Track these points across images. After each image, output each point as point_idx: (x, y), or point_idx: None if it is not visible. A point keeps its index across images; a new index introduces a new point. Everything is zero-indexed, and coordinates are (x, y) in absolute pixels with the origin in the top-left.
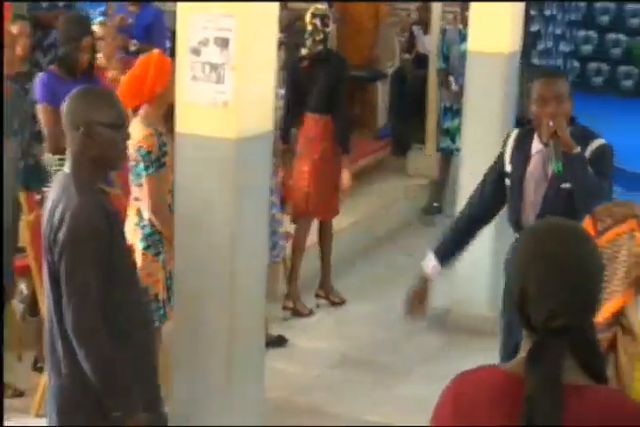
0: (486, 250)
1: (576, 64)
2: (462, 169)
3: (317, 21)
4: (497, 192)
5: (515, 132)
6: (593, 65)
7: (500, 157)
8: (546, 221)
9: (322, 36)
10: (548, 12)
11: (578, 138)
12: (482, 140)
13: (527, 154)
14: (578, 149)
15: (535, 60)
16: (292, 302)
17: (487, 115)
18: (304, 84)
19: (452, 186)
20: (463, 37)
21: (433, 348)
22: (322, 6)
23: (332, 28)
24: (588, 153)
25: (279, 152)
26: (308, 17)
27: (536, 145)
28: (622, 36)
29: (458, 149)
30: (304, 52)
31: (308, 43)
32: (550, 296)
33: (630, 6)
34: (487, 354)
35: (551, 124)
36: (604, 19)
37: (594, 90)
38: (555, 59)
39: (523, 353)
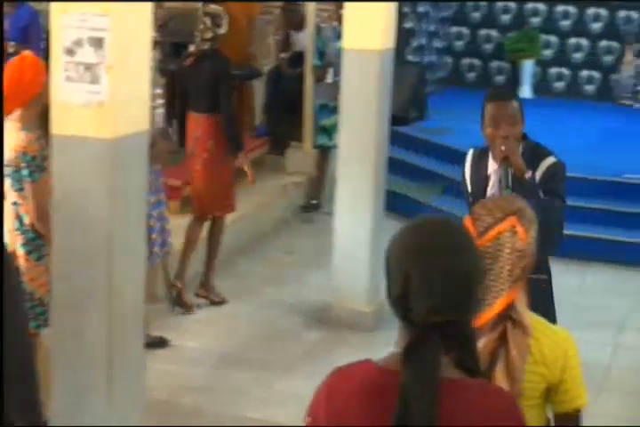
0: (365, 245)
1: (449, 60)
2: (339, 166)
3: (208, 20)
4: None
5: (471, 152)
6: (466, 61)
7: (463, 176)
8: (426, 217)
9: (211, 34)
10: (421, 10)
11: (529, 157)
12: (358, 137)
13: (484, 174)
14: (529, 174)
15: (410, 57)
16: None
17: (363, 111)
18: (187, 82)
19: (330, 183)
20: (338, 35)
21: (313, 344)
22: (216, 6)
23: (224, 28)
24: (539, 173)
25: (162, 152)
26: (200, 15)
27: (492, 165)
28: (494, 32)
29: (335, 146)
30: (192, 49)
31: (197, 40)
32: (434, 291)
33: (501, 3)
34: (367, 349)
35: (503, 148)
36: (476, 15)
37: (467, 85)
38: (428, 55)
39: (398, 348)
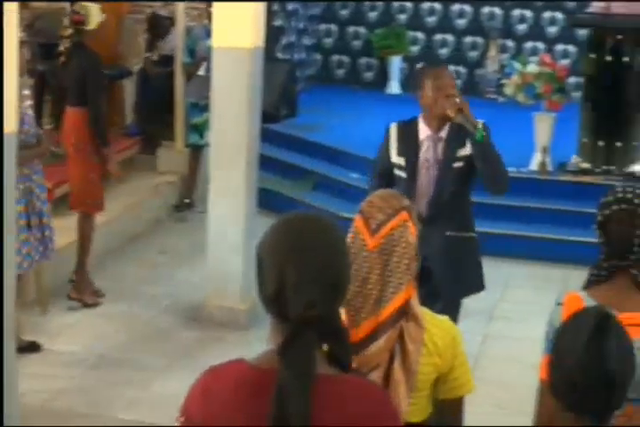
0: (238, 243)
1: (318, 57)
2: (211, 164)
3: (67, 18)
4: (389, 186)
5: (394, 126)
6: (335, 57)
7: (385, 151)
8: (296, 213)
9: (70, 31)
10: (290, 8)
11: (457, 131)
12: (229, 135)
13: (416, 142)
14: (480, 124)
15: (279, 55)
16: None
17: (234, 110)
18: (62, 80)
19: (203, 181)
20: (208, 33)
21: (189, 343)
22: (84, 3)
23: (91, 24)
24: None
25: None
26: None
27: (424, 132)
28: (362, 29)
29: (206, 145)
30: (60, 48)
31: (62, 39)
32: (309, 286)
33: (368, 2)
34: (243, 347)
35: (458, 100)
36: (344, 13)
37: (337, 82)
38: (298, 53)
39: (271, 345)
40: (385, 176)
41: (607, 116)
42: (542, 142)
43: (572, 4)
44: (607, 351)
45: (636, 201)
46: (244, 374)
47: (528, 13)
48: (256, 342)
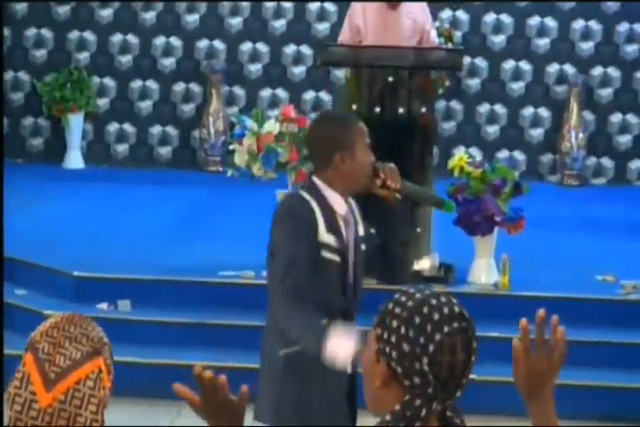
0: None
1: None
2: None
3: None
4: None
5: (307, 195)
6: None
7: (309, 228)
8: None
9: None
10: None
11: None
12: None
13: (335, 218)
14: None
15: None
16: None
17: None
18: None
19: None
20: None
21: None
22: None
23: None
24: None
25: None
26: None
27: (339, 205)
28: (24, 75)
29: None
30: None
31: None
32: None
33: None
34: None
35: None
36: None
37: None
38: None
39: None
40: (312, 266)
41: None
42: None
43: (322, 32)
44: None
45: (467, 316)
46: None
47: (263, 48)
48: None
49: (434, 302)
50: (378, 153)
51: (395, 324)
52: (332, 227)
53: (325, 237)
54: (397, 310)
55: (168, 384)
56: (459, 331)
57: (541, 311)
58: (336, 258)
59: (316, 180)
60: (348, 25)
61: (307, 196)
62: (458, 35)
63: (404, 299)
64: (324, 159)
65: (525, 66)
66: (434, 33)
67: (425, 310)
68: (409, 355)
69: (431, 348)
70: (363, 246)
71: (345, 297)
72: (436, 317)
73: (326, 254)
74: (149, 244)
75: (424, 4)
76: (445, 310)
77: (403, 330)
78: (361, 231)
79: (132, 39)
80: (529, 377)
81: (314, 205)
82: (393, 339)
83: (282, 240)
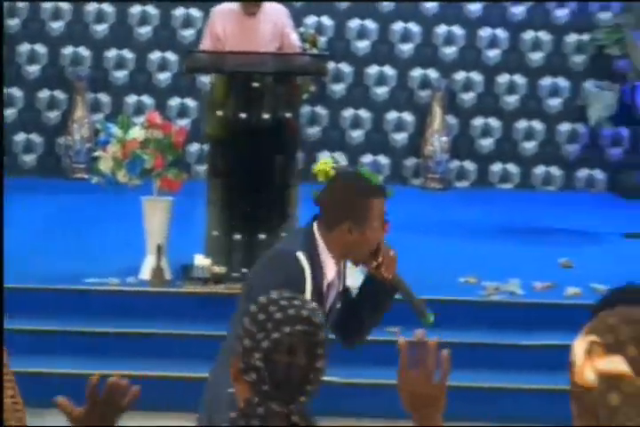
0: None
1: None
2: None
3: None
4: None
5: (302, 256)
6: None
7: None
8: None
9: None
10: None
11: None
12: None
13: (321, 285)
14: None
15: None
16: None
17: None
18: None
19: None
20: None
21: None
22: None
23: None
24: None
25: None
26: None
27: (331, 271)
28: None
29: None
30: None
31: None
32: None
33: None
34: None
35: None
36: None
37: None
38: None
39: None
40: None
41: (244, 196)
42: (156, 239)
43: (188, 38)
44: None
45: (315, 320)
46: None
47: (128, 54)
48: None
49: (284, 303)
50: (242, 159)
51: (246, 321)
52: (317, 294)
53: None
54: (252, 308)
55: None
56: (301, 334)
57: (420, 332)
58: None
59: (317, 235)
60: (209, 32)
61: (303, 259)
62: (322, 40)
63: (262, 299)
64: (333, 220)
65: (389, 71)
66: (295, 36)
67: (271, 308)
68: (248, 350)
69: (266, 344)
70: (338, 305)
71: None
72: (279, 316)
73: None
74: (12, 252)
75: (283, 8)
76: (291, 312)
77: (248, 326)
78: (340, 287)
79: None
80: (412, 397)
81: (307, 272)
82: (241, 334)
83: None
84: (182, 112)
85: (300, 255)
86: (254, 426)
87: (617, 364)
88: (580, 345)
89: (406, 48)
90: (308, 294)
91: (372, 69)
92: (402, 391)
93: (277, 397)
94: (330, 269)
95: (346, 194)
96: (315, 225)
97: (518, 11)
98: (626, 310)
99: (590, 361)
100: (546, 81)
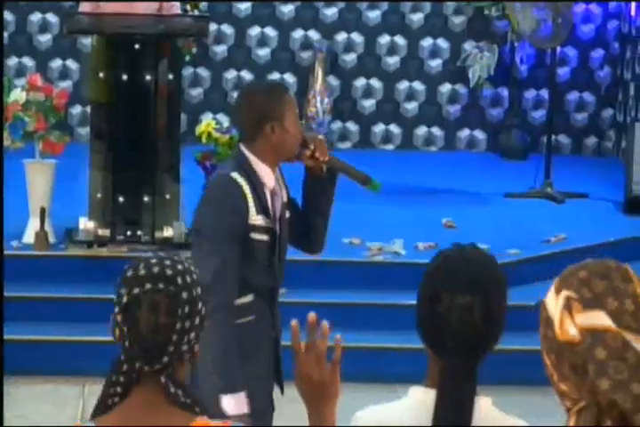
0: None
1: None
2: None
3: None
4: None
5: (237, 175)
6: None
7: (237, 210)
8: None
9: None
10: None
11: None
12: None
13: (264, 193)
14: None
15: None
16: None
17: None
18: None
19: None
20: None
21: None
22: None
23: None
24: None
25: None
26: None
27: (269, 179)
28: None
29: None
30: None
31: None
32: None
33: None
34: None
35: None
36: None
37: None
38: None
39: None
40: (240, 245)
41: (128, 158)
42: (39, 202)
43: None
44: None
45: (179, 281)
46: None
47: (8, 16)
48: None
49: (153, 261)
50: (125, 121)
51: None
52: (262, 206)
53: (254, 218)
54: (126, 266)
55: None
56: (161, 292)
57: (311, 316)
58: (264, 237)
59: (245, 151)
60: None
61: (238, 177)
62: (204, 2)
63: (138, 258)
64: (253, 130)
65: (271, 32)
66: None
67: (139, 266)
68: (114, 307)
69: (125, 299)
70: (287, 214)
71: (274, 275)
72: (143, 273)
73: (255, 236)
74: None
75: None
76: (155, 270)
77: (117, 283)
78: (284, 197)
79: None
80: (306, 386)
81: (245, 187)
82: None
83: (208, 226)
84: (64, 74)
85: (235, 174)
86: (119, 382)
87: (599, 318)
88: (554, 301)
89: (287, 9)
90: (252, 209)
91: (254, 31)
92: (296, 376)
93: (138, 354)
94: (268, 178)
95: (255, 101)
96: (241, 145)
97: None
98: (592, 263)
99: (570, 317)
100: (426, 42)
